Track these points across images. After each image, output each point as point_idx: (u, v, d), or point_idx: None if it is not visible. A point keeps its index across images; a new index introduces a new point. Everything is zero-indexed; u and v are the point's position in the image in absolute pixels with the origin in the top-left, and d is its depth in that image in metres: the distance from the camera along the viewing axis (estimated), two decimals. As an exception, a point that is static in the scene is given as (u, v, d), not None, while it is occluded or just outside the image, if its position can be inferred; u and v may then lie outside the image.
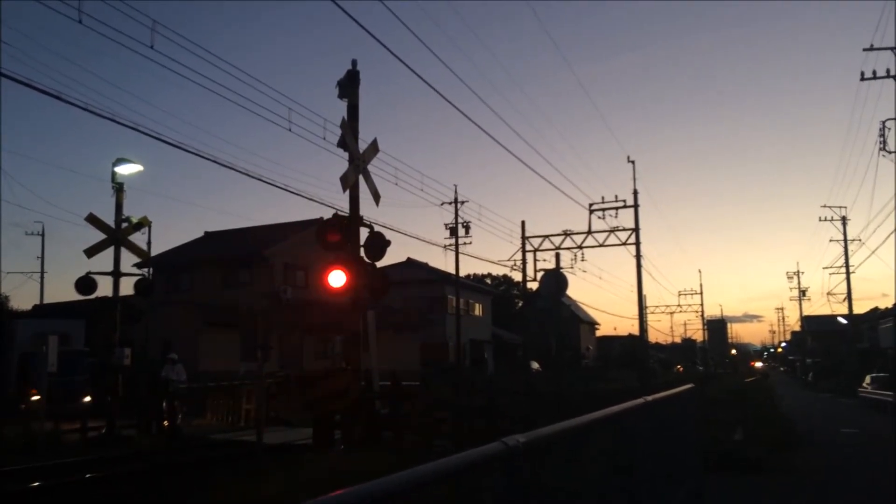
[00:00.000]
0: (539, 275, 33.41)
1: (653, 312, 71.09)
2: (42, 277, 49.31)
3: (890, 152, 27.82)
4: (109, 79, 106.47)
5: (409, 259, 51.44)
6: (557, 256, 31.77)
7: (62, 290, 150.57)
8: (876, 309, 62.63)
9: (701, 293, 79.32)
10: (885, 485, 11.25)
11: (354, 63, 13.46)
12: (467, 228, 38.53)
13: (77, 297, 19.54)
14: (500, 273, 77.75)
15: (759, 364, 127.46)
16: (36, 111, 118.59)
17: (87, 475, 11.36)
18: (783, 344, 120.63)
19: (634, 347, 61.47)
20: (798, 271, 70.02)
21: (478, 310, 55.49)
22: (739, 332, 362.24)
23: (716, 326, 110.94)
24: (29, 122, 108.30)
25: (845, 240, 48.38)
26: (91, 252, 18.64)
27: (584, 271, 42.52)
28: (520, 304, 65.52)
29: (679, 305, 75.24)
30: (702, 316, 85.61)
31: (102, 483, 10.78)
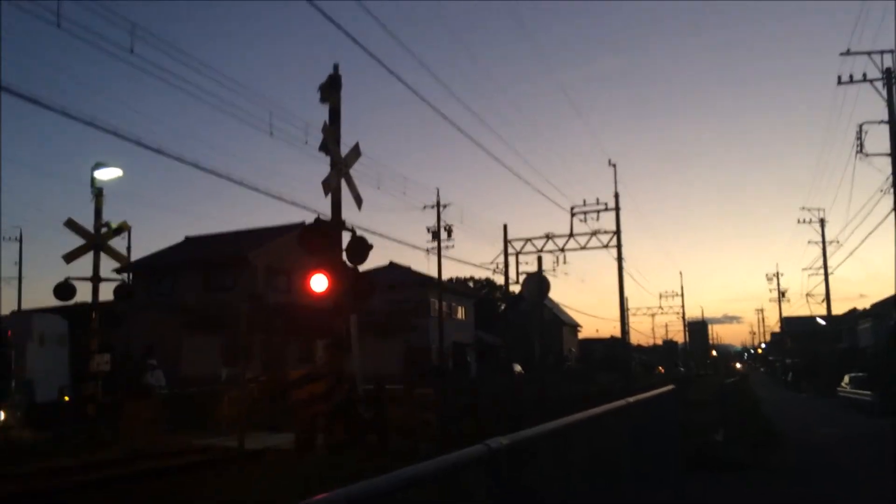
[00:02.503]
0: (521, 278, 33.56)
1: (634, 314, 71.67)
2: (20, 283, 48.78)
3: (867, 155, 28.23)
4: (88, 83, 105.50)
5: (391, 263, 51.39)
6: (539, 259, 31.86)
7: (41, 296, 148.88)
8: (854, 310, 63.32)
9: (682, 295, 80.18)
10: (863, 482, 11.40)
11: (336, 67, 13.45)
12: (450, 232, 38.57)
13: (56, 302, 19.34)
14: (483, 276, 77.83)
15: (739, 365, 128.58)
16: (13, 115, 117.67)
17: (66, 481, 11.25)
18: (763, 345, 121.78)
19: (616, 349, 61.82)
20: (777, 273, 70.84)
21: (461, 313, 55.52)
22: (720, 334, 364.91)
23: (696, 328, 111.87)
24: (6, 126, 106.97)
25: (823, 241, 48.96)
26: (70, 257, 18.45)
27: (567, 274, 42.80)
28: (502, 307, 65.62)
29: (660, 307, 75.97)
30: (683, 317, 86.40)
31: (81, 489, 10.67)
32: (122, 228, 19.67)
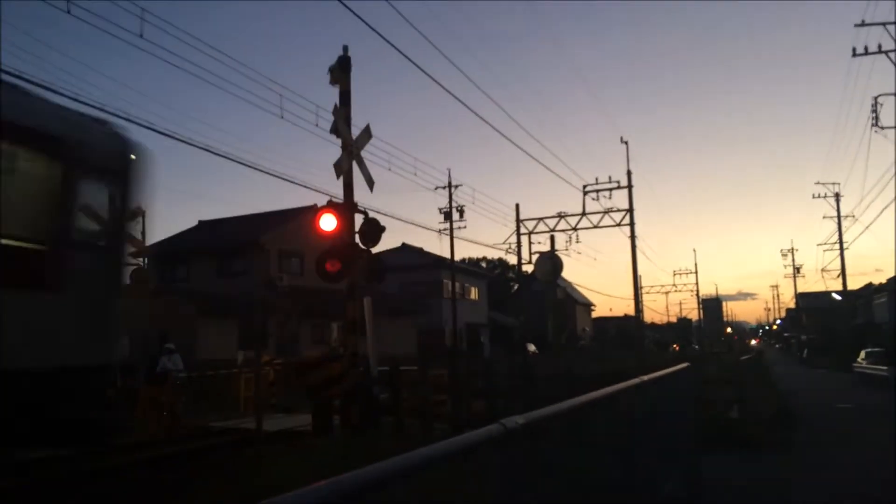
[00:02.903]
0: (534, 257, 33.48)
1: (648, 292, 71.42)
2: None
3: (882, 128, 27.92)
4: (99, 68, 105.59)
5: (403, 244, 51.48)
6: (552, 239, 31.85)
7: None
8: (870, 284, 62.91)
9: (696, 272, 79.90)
10: (881, 458, 11.37)
11: (346, 49, 13.39)
12: (461, 212, 38.54)
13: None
14: (496, 256, 77.93)
15: (754, 342, 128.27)
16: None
17: (89, 466, 11.40)
18: (778, 321, 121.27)
19: (630, 328, 61.78)
20: (792, 249, 70.39)
21: (473, 293, 55.60)
22: (734, 311, 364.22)
23: (711, 305, 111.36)
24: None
25: (839, 216, 48.59)
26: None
27: (579, 253, 42.55)
28: (515, 287, 65.63)
29: (674, 285, 75.67)
30: (697, 295, 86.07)
31: (105, 474, 10.82)
32: (137, 213, 19.79)
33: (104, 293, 9.15)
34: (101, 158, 9.13)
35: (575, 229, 35.34)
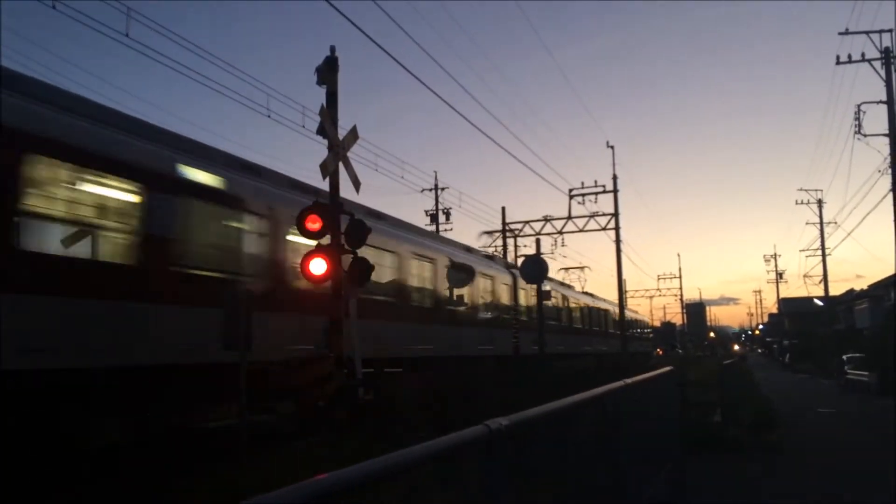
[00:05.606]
0: (520, 261, 33.50)
1: (633, 296, 71.85)
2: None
3: (865, 135, 28.19)
4: (84, 66, 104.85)
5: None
6: (538, 242, 31.76)
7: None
8: (852, 290, 63.50)
9: (680, 277, 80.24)
10: (861, 460, 11.48)
11: (333, 49, 13.35)
12: (448, 215, 38.51)
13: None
14: (481, 259, 77.69)
15: (737, 346, 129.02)
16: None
17: (71, 469, 11.28)
18: (761, 326, 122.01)
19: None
20: (775, 254, 71.18)
21: (459, 296, 55.50)
22: (718, 315, 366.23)
23: (695, 310, 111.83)
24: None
25: (821, 222, 49.02)
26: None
27: (565, 256, 42.76)
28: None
29: (658, 289, 76.17)
30: (681, 299, 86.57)
31: (87, 475, 10.71)
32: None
33: None
34: None
35: (560, 233, 35.46)
